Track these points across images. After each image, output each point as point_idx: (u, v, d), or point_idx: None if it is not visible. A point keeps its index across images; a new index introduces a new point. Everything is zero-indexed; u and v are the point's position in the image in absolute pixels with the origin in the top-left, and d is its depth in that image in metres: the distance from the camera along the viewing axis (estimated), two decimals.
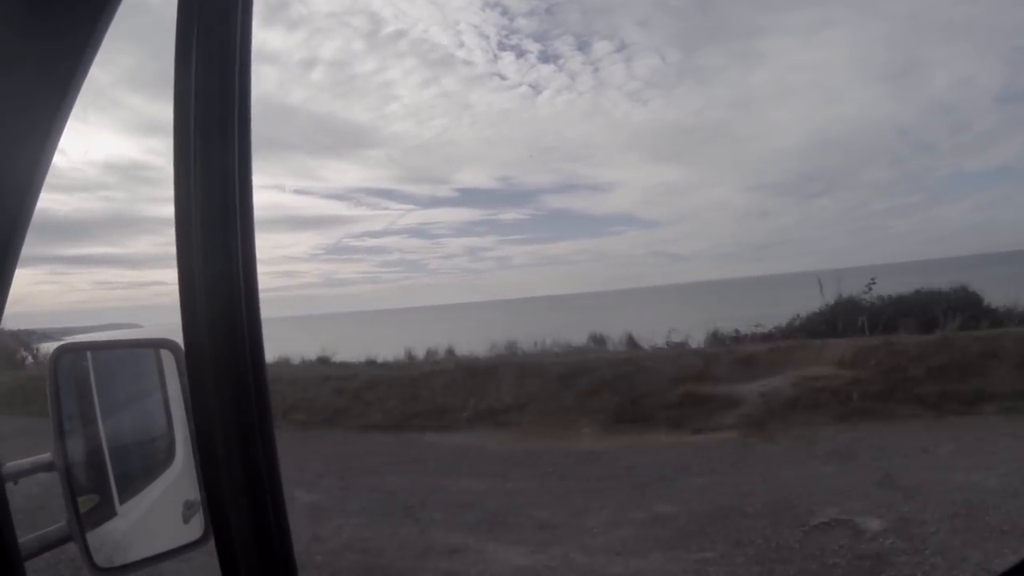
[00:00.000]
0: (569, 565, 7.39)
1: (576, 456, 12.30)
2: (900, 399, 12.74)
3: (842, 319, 16.68)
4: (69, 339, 2.29)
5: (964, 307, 15.70)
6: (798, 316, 17.84)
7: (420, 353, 19.90)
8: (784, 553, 7.14)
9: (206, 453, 1.35)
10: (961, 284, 16.37)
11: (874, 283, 17.09)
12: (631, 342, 18.66)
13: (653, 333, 18.22)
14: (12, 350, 26.39)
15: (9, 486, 1.50)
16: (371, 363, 19.37)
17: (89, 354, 1.97)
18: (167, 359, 1.94)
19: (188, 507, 1.85)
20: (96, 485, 1.89)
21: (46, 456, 1.68)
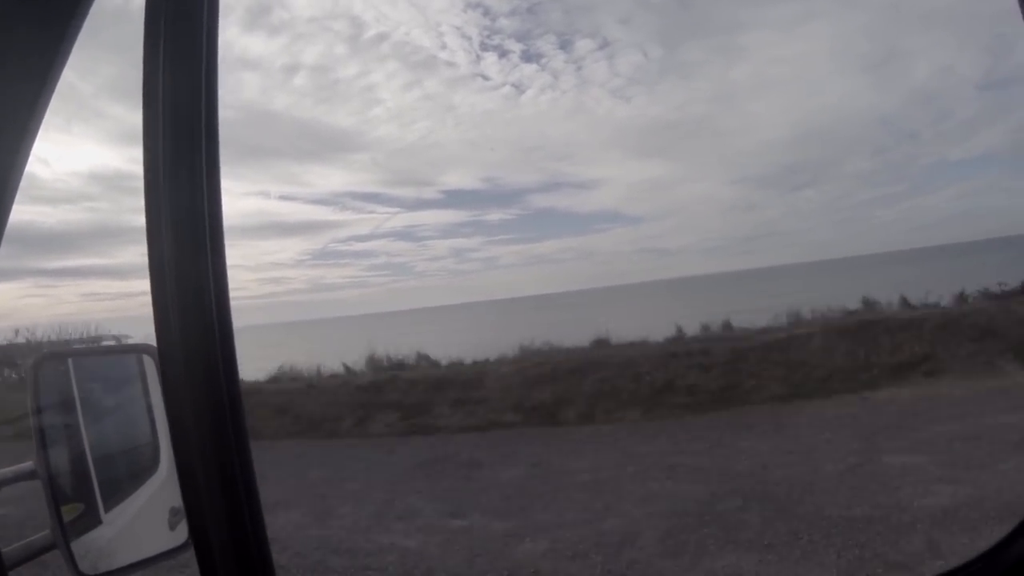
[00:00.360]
0: None
1: None
2: None
3: None
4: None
5: None
6: None
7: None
8: None
9: (182, 458, 1.34)
10: None
11: None
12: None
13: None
14: None
15: None
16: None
17: (71, 361, 1.95)
18: (149, 365, 1.92)
19: (174, 513, 1.84)
20: (81, 493, 1.87)
21: (28, 465, 1.66)
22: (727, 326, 17.38)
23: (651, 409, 13.29)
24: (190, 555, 1.55)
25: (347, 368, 18.58)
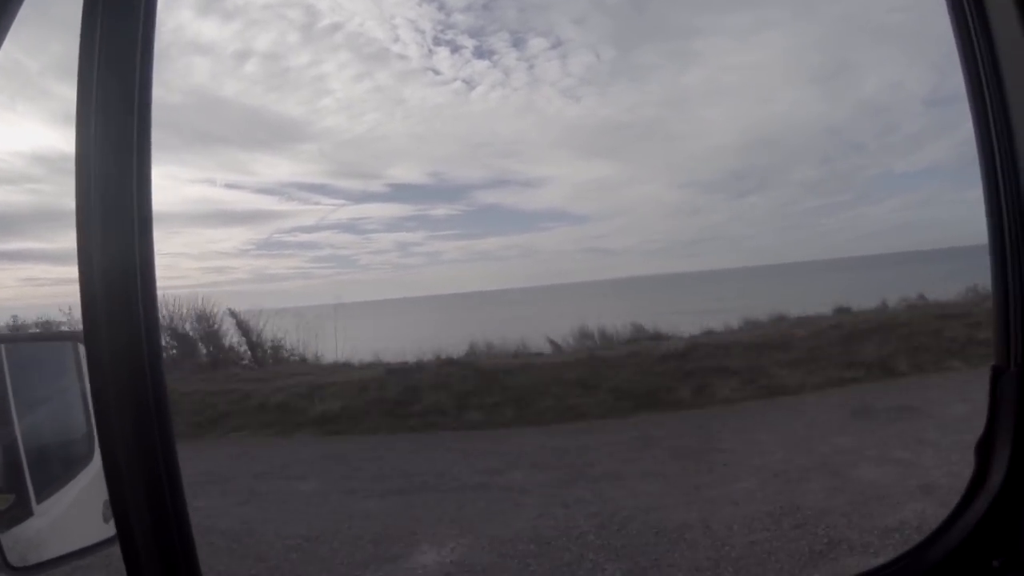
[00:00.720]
0: None
1: None
2: None
3: None
4: None
5: None
6: None
7: None
8: None
9: (107, 448, 1.31)
10: None
11: None
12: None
13: None
14: None
15: None
16: None
17: (3, 348, 1.90)
18: (82, 353, 1.87)
19: (108, 506, 1.79)
20: (11, 484, 1.83)
21: None
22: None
23: None
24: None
25: (555, 344, 17.68)
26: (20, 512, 1.82)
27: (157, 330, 1.35)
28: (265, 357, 17.62)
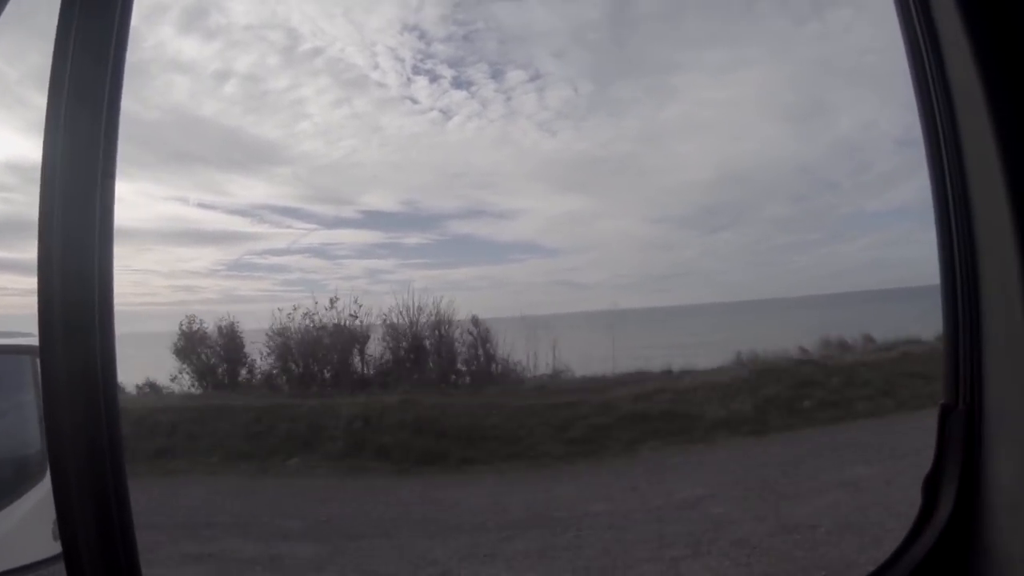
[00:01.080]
0: None
1: None
2: None
3: None
4: None
5: None
6: None
7: None
8: None
9: (57, 464, 1.29)
10: None
11: None
12: None
13: None
14: None
15: None
16: None
17: None
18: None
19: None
20: None
21: None
22: None
23: None
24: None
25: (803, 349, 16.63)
26: None
27: (112, 348, 1.34)
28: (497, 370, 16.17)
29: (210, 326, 16.03)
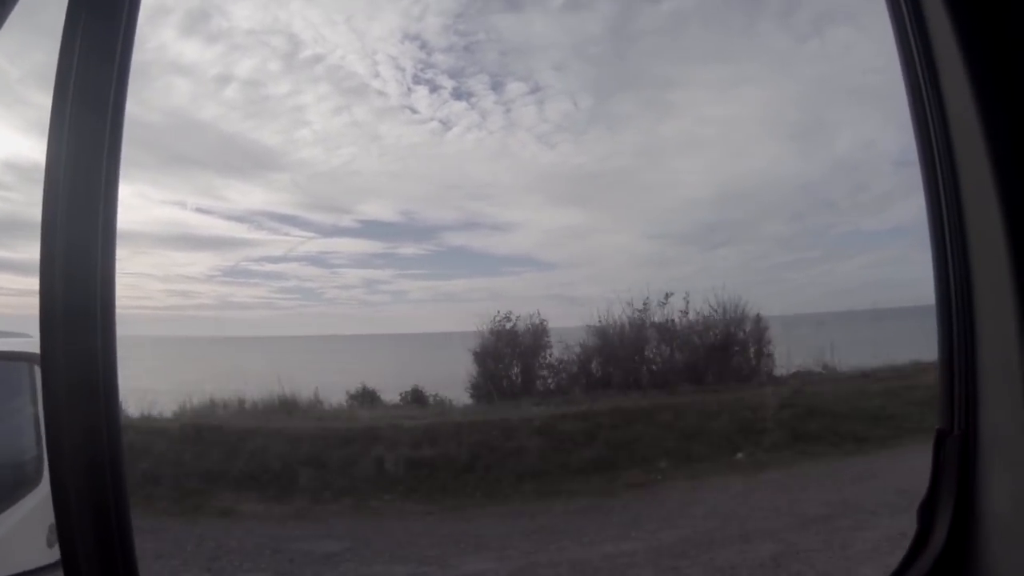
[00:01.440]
0: None
1: None
2: None
3: None
4: None
5: None
6: None
7: None
8: None
9: (56, 471, 1.29)
10: None
11: None
12: None
13: None
14: None
15: None
16: None
17: None
18: (38, 375, 1.84)
19: (53, 530, 1.76)
20: None
21: None
22: None
23: None
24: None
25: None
26: None
27: (114, 352, 1.35)
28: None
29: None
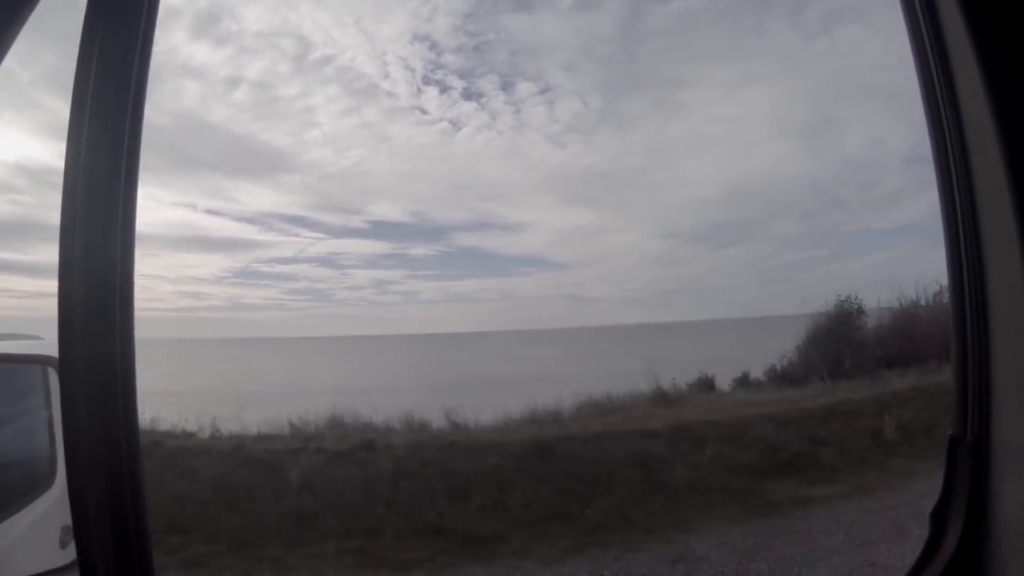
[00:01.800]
0: None
1: None
2: None
3: None
4: None
5: None
6: None
7: None
8: None
9: (75, 479, 1.31)
10: None
11: None
12: None
13: None
14: None
15: None
16: None
17: None
18: (53, 377, 1.86)
19: (66, 532, 1.78)
20: None
21: None
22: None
23: None
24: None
25: None
26: None
27: (132, 356, 1.36)
28: None
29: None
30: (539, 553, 7.96)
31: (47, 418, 1.95)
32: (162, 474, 9.29)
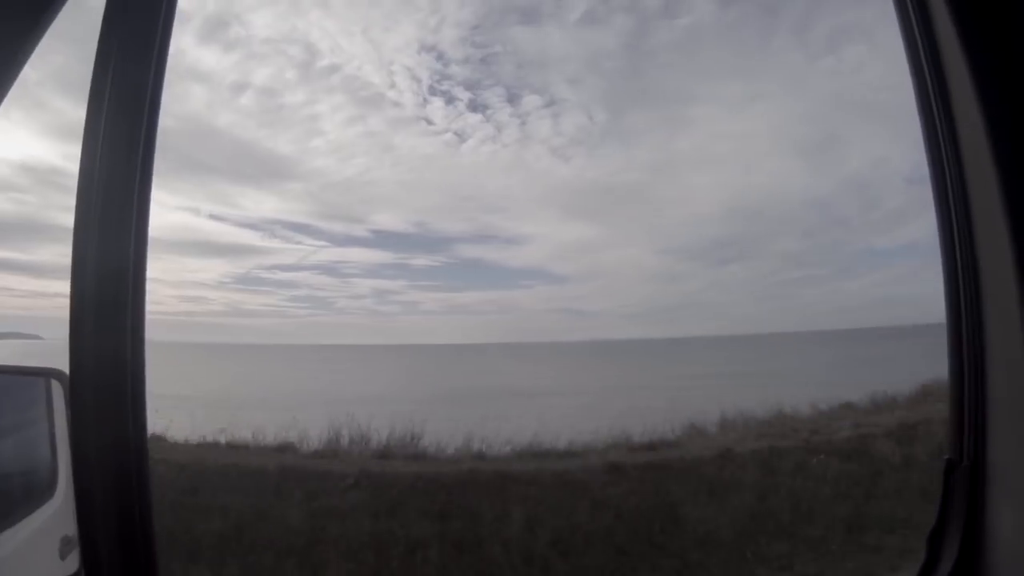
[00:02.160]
0: None
1: None
2: None
3: None
4: None
5: None
6: None
7: None
8: None
9: (82, 488, 1.33)
10: None
11: None
12: None
13: None
14: None
15: None
16: None
17: None
18: (56, 390, 1.89)
19: (66, 543, 1.80)
20: None
21: None
22: None
23: None
24: None
25: None
26: None
27: (142, 355, 1.38)
28: None
29: None
30: None
31: (48, 430, 1.96)
32: None
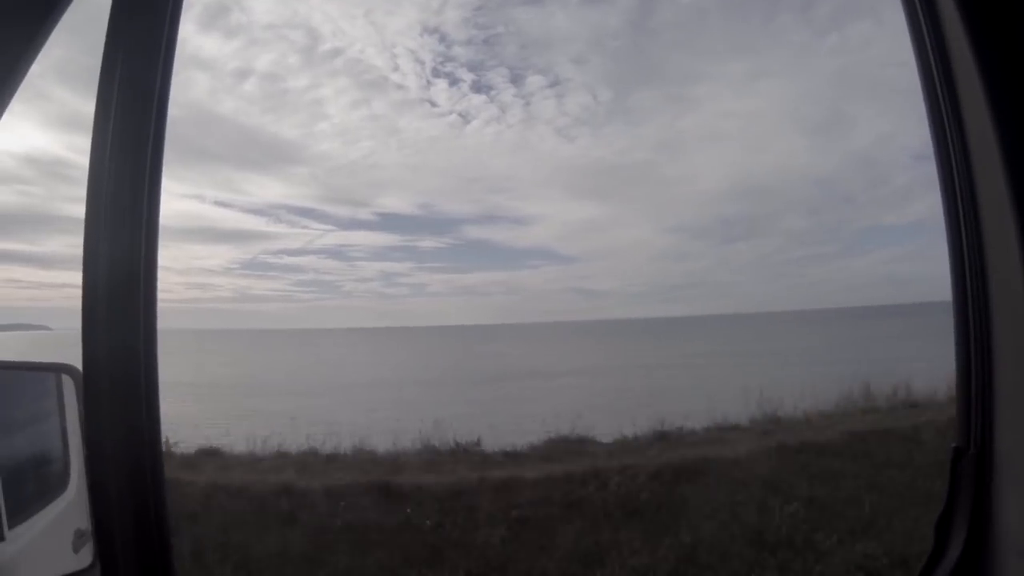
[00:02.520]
0: None
1: None
2: None
3: None
4: None
5: None
6: None
7: None
8: None
9: (96, 482, 1.35)
10: None
11: None
12: None
13: None
14: None
15: None
16: None
17: None
18: (67, 385, 1.90)
19: (79, 536, 1.82)
20: None
21: None
22: None
23: None
24: None
25: None
26: None
27: (155, 346, 1.40)
28: None
29: None
30: None
31: (60, 424, 1.98)
32: None
